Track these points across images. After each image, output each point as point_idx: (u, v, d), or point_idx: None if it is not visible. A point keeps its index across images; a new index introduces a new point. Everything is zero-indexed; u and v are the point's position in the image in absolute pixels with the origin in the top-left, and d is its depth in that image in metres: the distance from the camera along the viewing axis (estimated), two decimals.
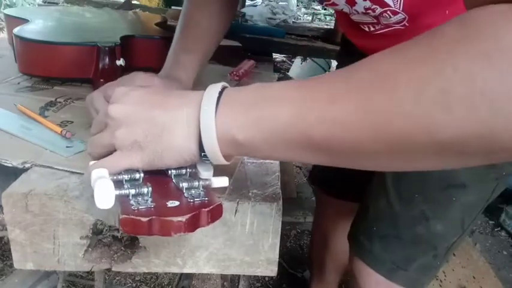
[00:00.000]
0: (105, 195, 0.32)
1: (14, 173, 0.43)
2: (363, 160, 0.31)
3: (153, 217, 0.30)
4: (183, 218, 0.31)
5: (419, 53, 0.27)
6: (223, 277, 1.07)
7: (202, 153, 0.35)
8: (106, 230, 0.42)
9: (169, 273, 1.37)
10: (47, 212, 0.40)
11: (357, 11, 0.57)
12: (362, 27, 0.62)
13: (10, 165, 0.44)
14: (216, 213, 0.33)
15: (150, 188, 0.33)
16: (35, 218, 0.40)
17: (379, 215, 0.67)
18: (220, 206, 0.33)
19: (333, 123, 0.29)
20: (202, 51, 0.67)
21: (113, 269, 0.43)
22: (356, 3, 0.55)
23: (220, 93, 0.35)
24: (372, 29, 0.61)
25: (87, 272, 1.22)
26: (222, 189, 0.42)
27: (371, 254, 0.68)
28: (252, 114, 0.33)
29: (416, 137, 0.27)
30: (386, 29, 0.59)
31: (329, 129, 0.30)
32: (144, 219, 0.30)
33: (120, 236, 0.42)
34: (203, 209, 0.32)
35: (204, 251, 0.43)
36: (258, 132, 0.33)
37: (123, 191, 0.33)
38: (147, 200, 0.32)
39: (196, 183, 0.35)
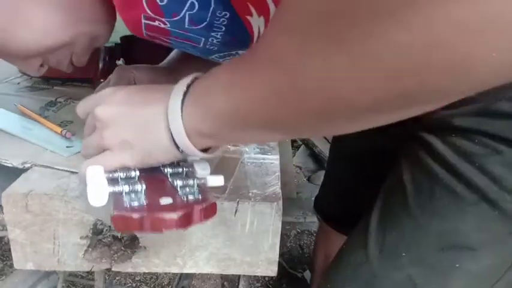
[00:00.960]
0: (98, 193, 0.32)
1: (14, 173, 0.43)
2: (298, 127, 0.30)
3: (145, 214, 0.30)
4: (174, 215, 0.31)
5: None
6: (223, 277, 1.07)
7: (180, 149, 0.35)
8: (106, 230, 0.42)
9: (169, 273, 1.37)
10: (47, 212, 0.40)
11: None
12: None
13: (10, 165, 0.44)
14: (209, 211, 0.33)
15: (144, 186, 0.34)
16: (35, 218, 0.40)
17: (353, 272, 0.51)
18: (214, 204, 0.33)
19: (256, 101, 0.29)
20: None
21: (113, 269, 0.43)
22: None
23: (189, 85, 0.34)
24: None
25: (87, 272, 1.22)
26: (221, 189, 0.42)
27: None
28: (202, 106, 0.33)
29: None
30: None
31: (256, 106, 0.29)
32: (135, 216, 0.30)
33: (120, 236, 0.42)
34: (196, 206, 0.32)
35: (204, 251, 0.43)
36: (212, 123, 0.32)
37: (116, 188, 0.33)
38: (140, 198, 0.32)
39: (191, 182, 0.35)
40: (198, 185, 0.35)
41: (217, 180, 0.37)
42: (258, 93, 0.29)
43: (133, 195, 0.33)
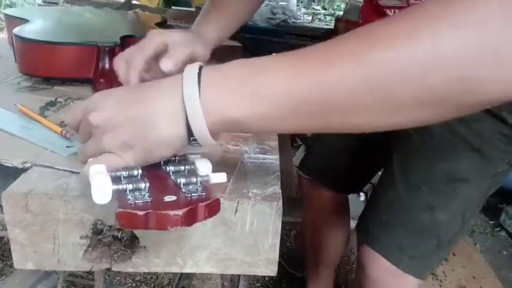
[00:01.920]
0: (102, 190, 0.32)
1: (14, 173, 0.43)
2: (357, 118, 0.33)
3: (150, 211, 0.30)
4: (179, 212, 0.31)
5: (408, 24, 0.29)
6: (223, 277, 1.07)
7: (192, 138, 0.36)
8: (106, 229, 0.42)
9: (169, 273, 1.37)
10: (47, 212, 0.40)
11: None
12: (388, 11, 0.64)
13: (10, 165, 0.44)
14: (213, 208, 0.33)
15: (147, 184, 0.33)
16: (35, 217, 0.40)
17: (387, 205, 0.72)
18: (218, 201, 0.33)
19: (329, 85, 0.31)
20: (233, 15, 0.70)
21: (113, 269, 0.43)
22: None
23: (199, 74, 0.35)
24: None
25: (87, 272, 1.22)
26: (222, 188, 0.42)
27: (380, 241, 0.72)
28: (245, 90, 0.33)
29: (409, 90, 0.29)
30: None
31: (326, 91, 0.31)
32: (140, 213, 0.30)
33: (120, 236, 0.42)
34: (200, 203, 0.32)
35: (204, 251, 0.43)
36: (254, 108, 0.33)
37: (120, 186, 0.33)
38: (144, 195, 0.32)
39: (194, 179, 0.35)
40: (201, 182, 0.35)
41: (220, 177, 0.37)
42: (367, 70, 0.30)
43: (137, 193, 0.33)
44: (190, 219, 0.31)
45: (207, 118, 0.34)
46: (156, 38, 0.57)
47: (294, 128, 0.35)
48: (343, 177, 0.94)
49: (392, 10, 0.65)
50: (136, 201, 0.32)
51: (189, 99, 0.34)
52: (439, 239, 0.69)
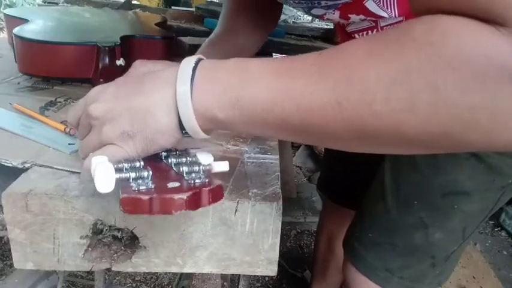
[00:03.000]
0: (105, 179, 0.32)
1: (14, 173, 0.43)
2: (335, 144, 0.34)
3: (154, 195, 0.30)
4: (184, 196, 0.31)
5: (390, 53, 0.28)
6: (223, 277, 1.07)
7: (184, 131, 0.36)
8: (106, 229, 0.42)
9: (169, 273, 1.37)
10: (47, 212, 0.40)
11: (353, 21, 0.58)
12: (354, 36, 0.63)
13: (10, 165, 0.44)
14: (216, 194, 0.33)
15: (150, 172, 0.34)
16: (35, 217, 0.40)
17: (375, 221, 0.65)
18: (220, 187, 0.33)
19: (309, 112, 0.31)
20: (233, 50, 0.71)
21: (113, 269, 0.43)
22: (350, 17, 0.56)
23: (195, 68, 0.35)
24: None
25: (87, 272, 1.22)
26: (224, 179, 0.42)
27: (365, 261, 0.65)
28: (232, 94, 0.34)
29: (385, 133, 0.30)
30: None
31: (305, 117, 0.32)
32: (144, 197, 0.30)
33: (120, 235, 0.42)
34: (204, 188, 0.32)
35: (204, 251, 0.43)
36: (238, 112, 0.34)
37: (123, 175, 0.33)
38: (147, 183, 0.33)
39: (196, 168, 0.35)
40: (203, 171, 0.35)
41: (222, 166, 0.37)
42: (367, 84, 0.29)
43: (140, 181, 0.33)
44: (194, 203, 0.32)
45: (198, 115, 0.35)
46: (140, 69, 0.56)
47: (279, 137, 0.36)
48: (354, 196, 0.83)
49: (360, 34, 0.61)
50: (140, 188, 0.32)
51: (181, 96, 0.34)
52: (434, 258, 0.62)
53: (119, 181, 0.33)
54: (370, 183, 0.67)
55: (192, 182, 0.33)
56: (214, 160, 0.37)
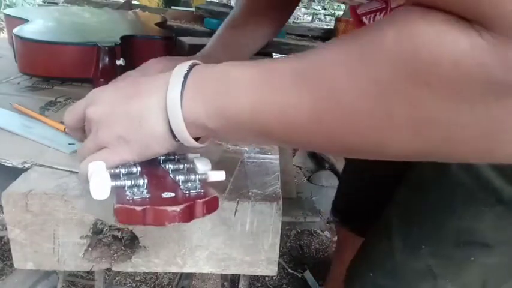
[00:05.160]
0: (100, 186, 0.32)
1: (14, 173, 0.43)
2: (325, 152, 0.35)
3: (148, 206, 0.30)
4: (177, 208, 0.31)
5: (364, 65, 0.26)
6: (223, 277, 1.07)
7: (176, 139, 0.36)
8: (106, 229, 0.42)
9: (169, 273, 1.37)
10: (47, 212, 0.40)
11: (362, 2, 0.56)
12: (363, 19, 0.61)
13: (10, 165, 0.44)
14: (211, 205, 0.33)
15: (146, 180, 0.34)
16: (35, 217, 0.40)
17: (377, 261, 0.57)
18: (216, 199, 0.33)
19: (291, 126, 0.31)
20: (245, 42, 0.70)
21: (113, 269, 0.43)
22: None
23: (187, 75, 0.34)
24: (372, 22, 0.60)
25: (87, 272, 1.22)
26: (221, 188, 0.42)
27: None
28: (218, 103, 0.33)
29: (369, 148, 0.29)
30: None
31: (287, 131, 0.31)
32: (138, 209, 0.30)
33: (120, 235, 0.42)
34: (198, 200, 0.32)
35: (204, 251, 0.43)
36: (225, 122, 0.33)
37: (118, 182, 0.33)
38: (142, 191, 0.33)
39: (192, 177, 0.35)
40: (199, 180, 0.35)
41: (218, 175, 0.37)
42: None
43: (135, 189, 0.33)
44: (188, 215, 0.32)
45: (188, 123, 0.34)
46: (156, 66, 0.55)
47: (272, 145, 0.35)
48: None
49: (368, 16, 0.58)
50: (135, 197, 0.32)
51: (171, 103, 0.34)
52: None
53: (114, 188, 0.33)
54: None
55: (188, 192, 0.33)
56: (214, 163, 0.37)
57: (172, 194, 0.33)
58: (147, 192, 0.32)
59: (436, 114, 0.24)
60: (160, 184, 0.34)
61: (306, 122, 0.29)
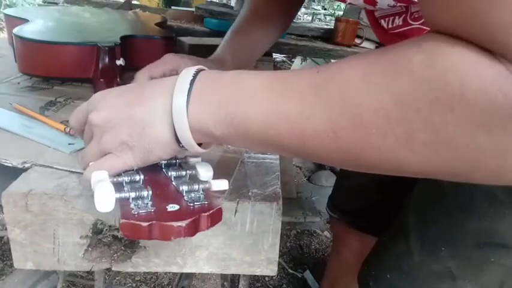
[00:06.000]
0: (105, 199, 0.32)
1: (14, 173, 0.43)
2: (331, 164, 0.34)
3: (153, 222, 0.30)
4: (183, 223, 0.31)
5: (386, 82, 0.27)
6: (223, 277, 1.07)
7: (180, 144, 0.35)
8: (106, 229, 0.42)
9: (169, 273, 1.37)
10: (47, 212, 0.40)
11: (381, 8, 0.56)
12: (381, 22, 0.61)
13: (10, 165, 0.44)
14: (215, 217, 0.33)
15: (150, 192, 0.33)
16: (35, 217, 0.40)
17: (395, 262, 0.55)
18: (220, 210, 0.34)
19: (303, 138, 0.30)
20: (252, 43, 0.71)
21: (113, 269, 0.43)
22: (377, 3, 0.54)
23: (193, 81, 0.34)
24: (390, 26, 0.60)
25: (87, 272, 1.22)
26: (222, 190, 0.42)
27: None
28: (227, 111, 0.33)
29: (383, 166, 0.29)
30: (405, 28, 0.57)
31: (300, 143, 0.31)
32: (144, 224, 0.30)
33: (120, 235, 0.42)
34: (203, 214, 0.32)
35: (204, 251, 0.43)
36: (233, 130, 0.33)
37: (123, 194, 0.33)
38: (147, 204, 0.32)
39: (196, 187, 0.35)
40: (203, 190, 0.35)
41: (221, 185, 0.37)
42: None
43: (140, 202, 0.33)
44: (193, 229, 0.32)
45: (194, 130, 0.34)
46: (169, 62, 0.56)
47: (275, 153, 0.35)
48: (377, 219, 0.73)
49: (387, 19, 0.59)
50: (140, 211, 0.32)
51: (176, 110, 0.33)
52: None
53: (118, 200, 0.33)
54: (399, 206, 0.58)
55: (192, 204, 0.33)
56: (214, 163, 0.37)
57: (177, 207, 0.33)
58: (151, 205, 0.32)
59: (455, 138, 0.25)
60: (164, 194, 0.34)
61: (321, 136, 0.29)
